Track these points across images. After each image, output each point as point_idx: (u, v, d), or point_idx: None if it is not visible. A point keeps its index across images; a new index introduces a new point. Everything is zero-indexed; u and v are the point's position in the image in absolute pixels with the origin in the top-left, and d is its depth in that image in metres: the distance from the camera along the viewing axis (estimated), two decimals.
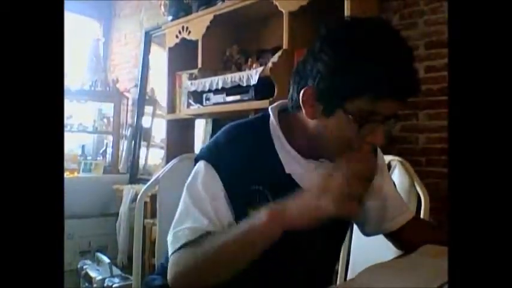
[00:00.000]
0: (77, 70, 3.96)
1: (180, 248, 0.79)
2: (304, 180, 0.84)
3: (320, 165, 0.86)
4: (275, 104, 0.91)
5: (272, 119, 0.87)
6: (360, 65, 0.72)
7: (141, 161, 3.58)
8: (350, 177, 0.71)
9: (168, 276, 0.79)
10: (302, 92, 0.78)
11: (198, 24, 2.50)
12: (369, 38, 0.73)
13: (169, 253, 0.81)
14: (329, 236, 0.90)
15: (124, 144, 3.76)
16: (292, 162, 0.85)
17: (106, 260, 2.60)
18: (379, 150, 0.97)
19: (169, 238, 0.82)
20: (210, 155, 0.86)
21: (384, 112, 0.75)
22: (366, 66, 0.71)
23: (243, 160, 0.83)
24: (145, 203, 1.30)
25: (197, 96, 2.33)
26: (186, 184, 0.86)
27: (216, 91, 2.19)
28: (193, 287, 0.79)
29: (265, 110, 0.91)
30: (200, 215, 0.80)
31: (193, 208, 0.81)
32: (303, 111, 0.80)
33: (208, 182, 0.82)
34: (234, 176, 0.82)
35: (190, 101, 2.39)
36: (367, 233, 0.99)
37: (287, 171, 0.84)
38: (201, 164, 0.85)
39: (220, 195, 0.82)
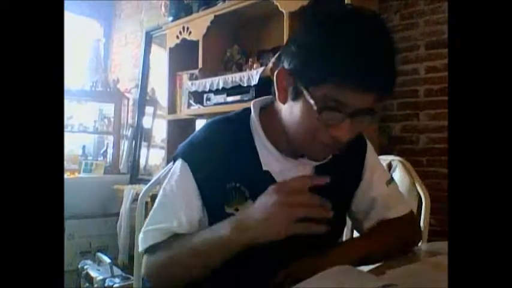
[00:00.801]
0: (77, 70, 3.96)
1: (148, 249, 0.82)
2: (281, 178, 0.82)
3: (298, 163, 0.85)
4: (259, 98, 0.90)
5: (253, 113, 0.86)
6: (330, 48, 0.68)
7: (142, 161, 3.58)
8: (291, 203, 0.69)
9: (142, 273, 0.83)
10: (276, 72, 0.78)
11: (198, 25, 2.50)
12: (345, 23, 0.71)
13: (140, 250, 0.84)
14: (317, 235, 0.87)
15: (125, 145, 3.76)
16: (270, 159, 0.83)
17: (107, 260, 2.60)
18: (369, 145, 0.94)
19: (140, 235, 0.84)
20: (185, 153, 0.85)
21: (351, 104, 0.70)
22: (336, 51, 0.68)
23: (219, 157, 0.82)
24: (146, 203, 1.30)
25: (198, 97, 2.33)
26: (164, 182, 0.87)
27: (217, 91, 2.19)
28: (162, 286, 0.82)
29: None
30: (171, 215, 0.81)
31: (165, 208, 0.83)
32: (277, 94, 0.79)
33: (181, 182, 0.82)
34: (210, 174, 0.81)
35: (191, 101, 2.39)
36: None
37: (264, 168, 0.83)
38: (177, 162, 0.85)
39: (192, 196, 0.82)
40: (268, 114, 0.85)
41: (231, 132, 0.86)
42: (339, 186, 0.88)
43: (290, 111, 0.77)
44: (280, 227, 0.68)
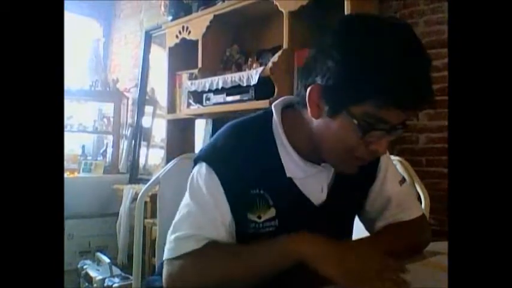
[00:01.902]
0: (77, 70, 3.96)
1: (182, 256, 0.76)
2: (305, 185, 0.82)
3: (321, 170, 0.83)
4: (279, 99, 0.87)
5: (275, 116, 0.83)
6: (370, 69, 0.67)
7: (141, 161, 3.58)
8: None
9: (165, 282, 0.77)
10: (309, 89, 0.74)
11: (198, 24, 2.50)
12: (382, 42, 0.68)
13: (167, 256, 0.78)
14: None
15: (124, 144, 3.76)
16: (293, 165, 0.82)
17: (106, 259, 2.60)
18: None
19: (170, 240, 0.78)
20: (210, 157, 0.82)
21: (391, 121, 0.70)
22: (375, 71, 0.67)
23: (243, 162, 0.80)
24: (146, 202, 1.30)
25: (197, 96, 2.33)
26: (188, 185, 0.82)
27: (216, 91, 2.19)
28: None
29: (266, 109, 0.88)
30: (205, 221, 0.77)
31: (198, 212, 0.78)
32: (308, 109, 0.76)
33: (211, 186, 0.78)
34: (234, 180, 0.79)
35: (191, 101, 2.39)
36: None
37: (288, 175, 0.81)
38: (202, 166, 0.81)
39: (223, 201, 0.78)
40: (292, 118, 0.82)
41: (253, 136, 0.83)
42: (355, 190, 0.89)
43: (326, 127, 0.75)
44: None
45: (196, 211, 0.78)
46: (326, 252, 0.70)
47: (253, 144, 0.82)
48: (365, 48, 0.68)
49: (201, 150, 0.87)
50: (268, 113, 0.85)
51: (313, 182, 0.83)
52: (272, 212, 0.80)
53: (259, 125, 0.85)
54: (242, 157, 0.80)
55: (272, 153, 0.81)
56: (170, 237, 0.79)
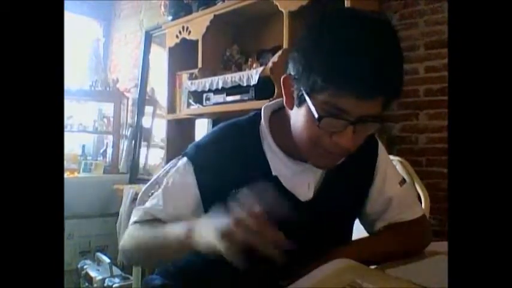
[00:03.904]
0: (77, 70, 3.96)
1: (132, 224, 0.86)
2: (290, 183, 0.82)
3: (309, 168, 0.83)
4: (272, 102, 0.89)
5: (263, 117, 0.85)
6: (327, 52, 0.66)
7: (141, 161, 3.57)
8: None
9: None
10: (282, 78, 0.76)
11: (198, 24, 2.50)
12: (344, 25, 0.68)
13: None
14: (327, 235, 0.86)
15: (124, 144, 3.76)
16: (279, 163, 0.82)
17: (106, 260, 2.60)
18: (380, 146, 0.93)
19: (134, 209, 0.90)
20: (191, 152, 0.86)
21: (353, 111, 0.68)
22: (333, 55, 0.65)
23: (226, 162, 0.81)
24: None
25: (197, 96, 2.33)
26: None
27: (216, 91, 2.19)
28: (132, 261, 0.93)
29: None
30: (160, 201, 0.84)
31: (159, 193, 0.86)
32: (284, 100, 0.78)
33: (180, 179, 0.84)
34: (212, 176, 0.81)
35: (191, 101, 2.39)
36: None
37: (274, 173, 0.82)
38: (183, 159, 0.86)
39: (188, 195, 0.83)
40: (279, 118, 0.84)
41: (239, 136, 0.85)
42: (350, 190, 0.88)
43: (295, 117, 0.76)
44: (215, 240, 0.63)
45: (160, 192, 0.87)
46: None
47: (238, 143, 0.84)
48: (321, 36, 0.68)
49: (189, 146, 0.90)
50: (258, 114, 0.87)
51: (299, 179, 0.83)
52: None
53: (247, 126, 0.87)
54: (224, 156, 0.82)
55: (257, 153, 0.83)
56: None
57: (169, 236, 0.75)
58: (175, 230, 0.75)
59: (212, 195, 0.79)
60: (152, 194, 0.95)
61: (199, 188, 0.82)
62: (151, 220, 0.84)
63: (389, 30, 0.70)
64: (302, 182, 0.84)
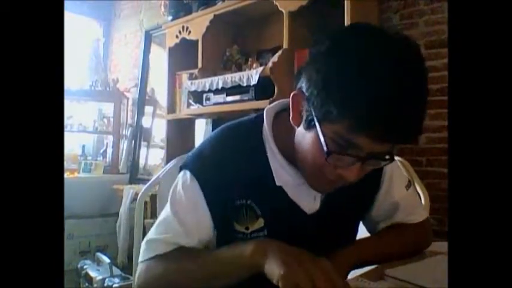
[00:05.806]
0: (77, 70, 3.96)
1: (150, 259, 0.77)
2: (296, 194, 0.79)
3: None
4: (274, 103, 0.84)
5: (265, 121, 0.80)
6: (351, 85, 0.61)
7: (141, 161, 3.58)
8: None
9: (136, 283, 0.78)
10: (292, 94, 0.71)
11: (198, 24, 2.50)
12: (375, 57, 0.61)
13: (140, 259, 0.78)
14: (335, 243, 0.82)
15: (124, 144, 3.76)
16: (283, 173, 0.78)
17: (106, 260, 2.60)
18: None
19: (143, 244, 0.79)
20: (194, 165, 0.80)
21: (365, 147, 0.64)
22: (357, 90, 0.60)
23: (229, 172, 0.77)
24: (146, 203, 1.30)
25: (197, 96, 2.33)
26: (170, 191, 0.81)
27: (216, 91, 2.19)
28: None
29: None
30: (178, 227, 0.77)
31: (173, 219, 0.78)
32: (290, 114, 0.72)
33: (191, 195, 0.78)
34: (218, 190, 0.77)
35: (191, 101, 2.39)
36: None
37: (277, 183, 0.78)
38: (186, 174, 0.80)
39: (202, 210, 0.77)
40: (282, 123, 0.78)
41: (242, 144, 0.80)
42: (358, 198, 0.85)
43: (302, 137, 0.71)
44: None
45: (172, 217, 0.78)
46: (280, 263, 0.63)
47: (240, 152, 0.79)
48: (346, 66, 0.62)
49: (187, 157, 0.84)
50: (260, 117, 0.82)
51: (304, 191, 0.78)
52: (260, 223, 0.78)
53: (249, 131, 0.82)
54: (227, 167, 0.78)
55: (261, 161, 0.78)
56: (146, 238, 0.80)
57: (226, 260, 0.70)
58: (234, 252, 0.70)
59: (219, 208, 0.77)
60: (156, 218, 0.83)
61: (207, 203, 0.77)
62: (176, 250, 0.77)
63: (421, 65, 0.65)
64: (309, 193, 0.79)
